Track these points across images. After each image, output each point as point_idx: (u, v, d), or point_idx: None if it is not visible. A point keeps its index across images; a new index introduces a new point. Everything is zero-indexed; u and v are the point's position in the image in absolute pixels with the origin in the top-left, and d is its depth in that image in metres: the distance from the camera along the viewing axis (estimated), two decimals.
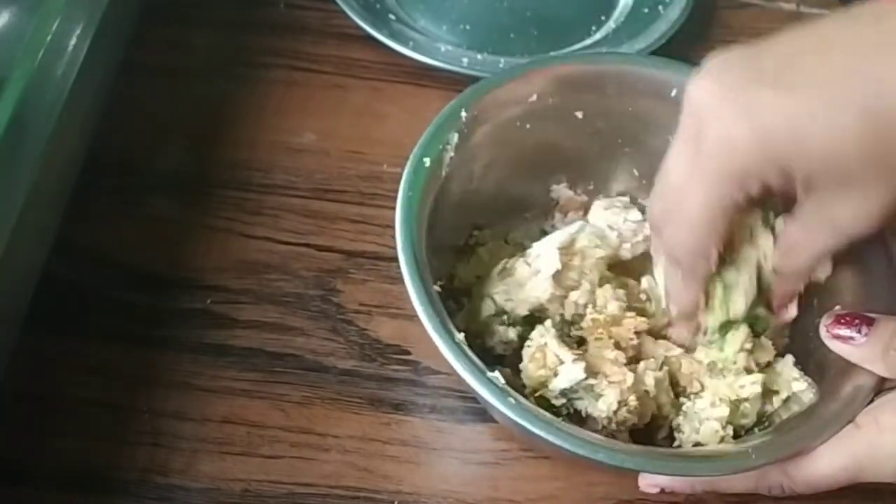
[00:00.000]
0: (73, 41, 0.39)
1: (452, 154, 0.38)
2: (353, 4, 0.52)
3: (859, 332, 0.31)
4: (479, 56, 0.51)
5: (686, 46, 0.52)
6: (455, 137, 0.38)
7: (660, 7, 0.54)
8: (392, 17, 0.53)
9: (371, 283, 0.43)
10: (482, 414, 0.39)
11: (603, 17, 0.56)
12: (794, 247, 0.34)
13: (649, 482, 0.34)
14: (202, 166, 0.46)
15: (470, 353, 0.32)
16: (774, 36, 0.31)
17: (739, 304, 0.35)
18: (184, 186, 0.45)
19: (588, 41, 0.54)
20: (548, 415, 0.32)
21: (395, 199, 0.46)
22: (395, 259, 0.43)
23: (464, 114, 0.38)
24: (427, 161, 0.37)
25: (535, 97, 0.40)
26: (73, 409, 0.38)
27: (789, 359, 0.37)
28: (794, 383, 0.35)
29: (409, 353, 0.41)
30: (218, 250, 0.43)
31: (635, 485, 0.35)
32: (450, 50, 0.51)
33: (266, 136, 0.48)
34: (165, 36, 0.51)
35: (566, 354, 0.35)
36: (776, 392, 0.36)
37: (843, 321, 0.32)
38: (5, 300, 0.36)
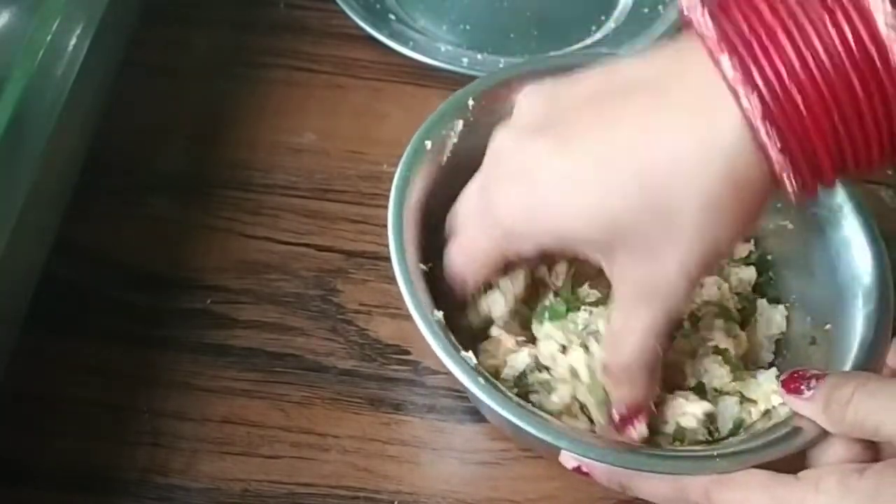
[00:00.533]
0: (72, 41, 0.39)
1: (455, 140, 0.38)
2: (353, 4, 0.52)
3: (808, 386, 0.31)
4: (479, 56, 0.51)
5: None
6: (460, 125, 0.38)
7: (660, 7, 0.54)
8: (392, 16, 0.53)
9: (371, 283, 0.43)
10: (481, 414, 0.39)
11: (603, 17, 0.56)
12: (616, 336, 0.32)
13: (568, 455, 0.32)
14: (202, 166, 0.46)
15: (445, 333, 0.33)
16: (585, 73, 0.31)
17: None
18: (184, 186, 0.45)
19: (588, 41, 0.54)
20: (516, 399, 0.32)
21: None
22: None
23: (471, 102, 0.38)
24: (429, 144, 0.37)
25: None
26: (73, 409, 0.38)
27: (772, 372, 0.37)
28: (773, 396, 0.35)
29: (408, 353, 0.41)
30: (218, 250, 0.43)
31: None
32: (450, 50, 0.51)
33: (266, 136, 0.48)
34: (165, 36, 0.51)
35: (513, 344, 0.35)
36: (754, 402, 0.36)
37: (796, 375, 0.32)
38: (5, 300, 0.36)
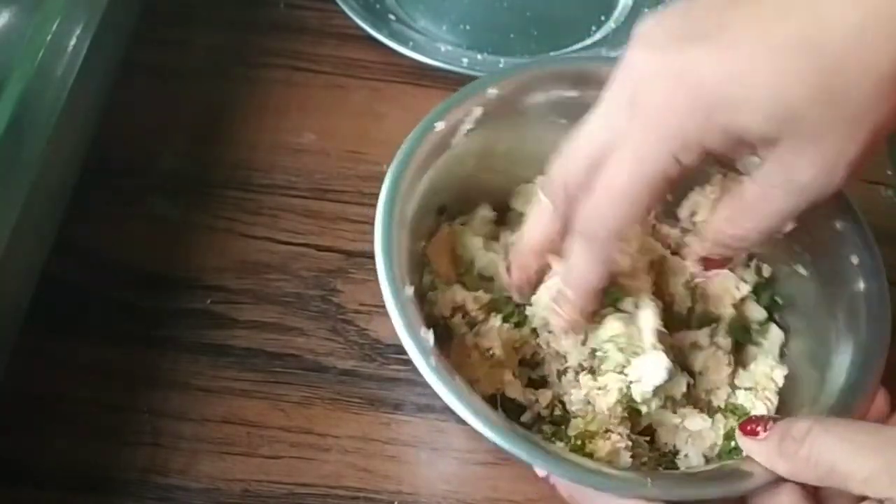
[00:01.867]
0: (72, 41, 0.39)
1: (471, 126, 0.37)
2: (352, 4, 0.52)
3: (765, 428, 0.31)
4: (479, 56, 0.51)
5: None
6: (479, 111, 0.37)
7: (660, 7, 0.54)
8: (392, 17, 0.53)
9: (371, 284, 0.43)
10: None
11: (603, 17, 0.56)
12: (749, 208, 0.32)
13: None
14: (202, 166, 0.46)
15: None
16: None
17: None
18: (183, 186, 0.45)
19: (588, 41, 0.54)
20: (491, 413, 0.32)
21: None
22: None
23: (491, 91, 0.37)
24: (439, 125, 0.36)
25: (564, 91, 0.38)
26: (73, 408, 0.38)
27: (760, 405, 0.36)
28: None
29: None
30: (218, 250, 0.43)
31: None
32: (450, 50, 0.51)
33: (266, 136, 0.48)
34: (165, 36, 0.51)
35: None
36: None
37: (754, 419, 0.32)
38: (5, 300, 0.36)
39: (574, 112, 0.34)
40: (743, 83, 0.28)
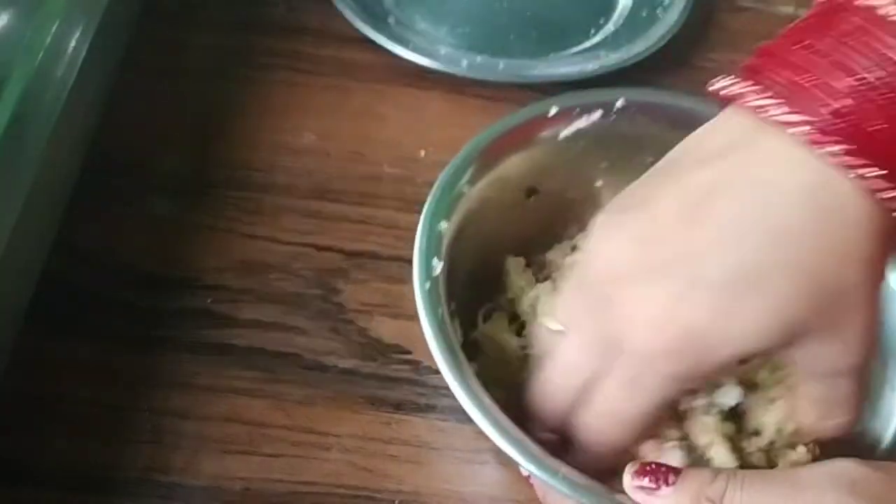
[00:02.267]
0: (72, 42, 0.39)
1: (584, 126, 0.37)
2: (352, 7, 0.52)
3: (666, 482, 0.28)
4: (478, 58, 0.51)
5: (684, 50, 0.52)
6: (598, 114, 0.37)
7: (658, 10, 0.54)
8: (391, 19, 0.53)
9: (372, 283, 0.43)
10: None
11: (602, 20, 0.56)
12: (827, 401, 0.31)
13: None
14: (202, 167, 0.46)
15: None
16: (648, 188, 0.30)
17: None
18: (184, 187, 0.45)
19: (587, 44, 0.54)
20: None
21: (394, 199, 0.46)
22: (396, 259, 0.44)
23: (554, 109, 0.37)
24: (553, 110, 0.36)
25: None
26: (74, 408, 0.38)
27: None
28: None
29: (409, 352, 0.41)
30: (218, 250, 0.43)
31: None
32: (449, 52, 0.52)
33: (266, 137, 0.48)
34: (165, 37, 0.51)
35: None
36: None
37: (647, 470, 0.29)
38: (5, 300, 0.36)
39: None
40: (735, 313, 0.27)
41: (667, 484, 0.28)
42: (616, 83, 0.43)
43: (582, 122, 0.38)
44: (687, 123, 0.31)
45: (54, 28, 0.38)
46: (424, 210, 0.35)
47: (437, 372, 0.40)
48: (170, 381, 0.39)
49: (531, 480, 0.32)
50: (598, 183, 0.40)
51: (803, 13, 0.33)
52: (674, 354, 0.28)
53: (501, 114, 0.39)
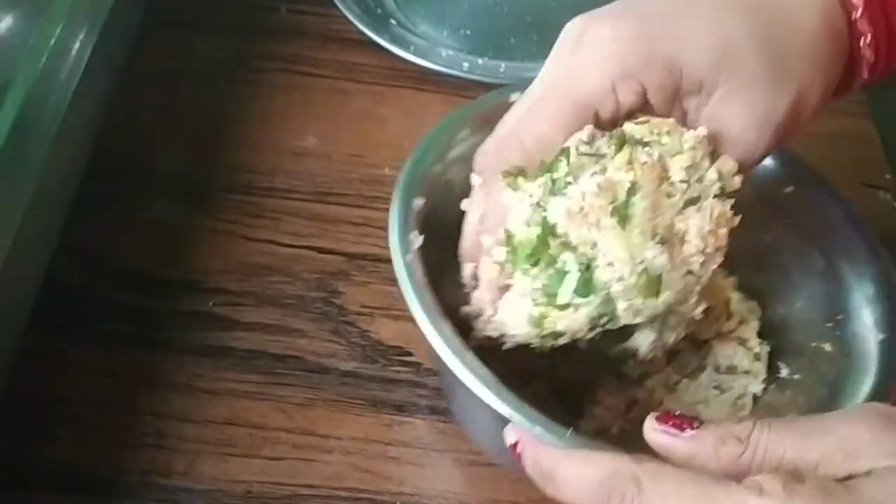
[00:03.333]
0: (76, 46, 0.39)
1: None
2: (354, 9, 0.52)
3: (691, 426, 0.27)
4: (479, 61, 0.52)
5: None
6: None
7: None
8: (393, 21, 0.54)
9: (373, 286, 0.43)
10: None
11: None
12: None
13: (509, 429, 0.30)
14: (205, 170, 0.46)
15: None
16: None
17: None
18: (186, 190, 0.46)
19: None
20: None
21: None
22: None
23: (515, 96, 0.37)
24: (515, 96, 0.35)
25: None
26: (76, 411, 0.38)
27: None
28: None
29: (410, 354, 0.41)
30: (220, 253, 0.43)
31: None
32: (450, 55, 0.52)
33: (268, 140, 0.48)
34: (168, 41, 0.51)
35: None
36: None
37: (670, 417, 0.28)
38: (9, 303, 0.36)
39: None
40: (687, 19, 0.29)
41: (691, 428, 0.27)
42: None
43: None
44: None
45: (57, 32, 0.38)
46: (398, 186, 0.34)
47: (438, 374, 0.41)
48: (171, 383, 0.39)
49: (518, 449, 0.29)
50: None
51: None
52: (626, 38, 0.29)
53: None
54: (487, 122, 0.34)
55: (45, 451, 0.37)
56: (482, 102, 0.38)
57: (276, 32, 0.52)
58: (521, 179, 0.30)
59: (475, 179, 0.33)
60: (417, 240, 0.32)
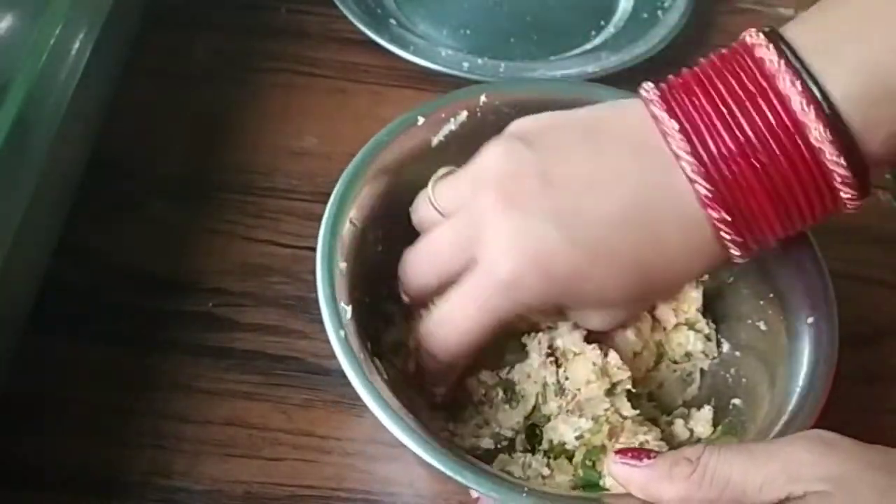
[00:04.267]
0: (75, 46, 0.39)
1: (454, 128, 0.38)
2: (354, 9, 0.52)
3: (648, 457, 0.30)
4: (479, 61, 0.51)
5: (685, 51, 0.52)
6: (464, 115, 0.38)
7: (659, 12, 0.54)
8: (393, 21, 0.54)
9: None
10: None
11: (602, 22, 0.56)
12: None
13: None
14: (204, 170, 0.46)
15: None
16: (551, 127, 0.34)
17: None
18: (186, 190, 0.46)
19: (588, 46, 0.54)
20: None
21: None
22: None
23: (483, 98, 0.38)
24: (420, 120, 0.37)
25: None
26: (76, 411, 0.38)
27: (705, 410, 0.37)
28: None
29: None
30: (220, 253, 0.43)
31: None
32: (450, 54, 0.52)
33: (267, 140, 0.48)
34: (167, 41, 0.51)
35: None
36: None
37: (630, 451, 0.31)
38: (9, 303, 0.36)
39: None
40: (586, 285, 0.33)
41: (648, 458, 0.30)
42: (617, 84, 0.43)
43: (451, 126, 0.39)
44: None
45: (57, 32, 0.38)
46: (318, 247, 0.35)
47: None
48: (171, 384, 0.39)
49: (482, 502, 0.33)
50: None
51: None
52: (532, 290, 0.32)
53: None
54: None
55: (44, 451, 0.37)
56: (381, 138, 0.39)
57: (276, 32, 0.52)
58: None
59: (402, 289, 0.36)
60: (347, 310, 0.34)
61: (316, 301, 0.42)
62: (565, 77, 0.50)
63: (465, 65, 0.51)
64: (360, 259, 0.36)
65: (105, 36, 0.41)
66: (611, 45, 0.54)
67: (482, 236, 0.33)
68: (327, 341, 0.41)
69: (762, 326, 0.38)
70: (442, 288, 0.34)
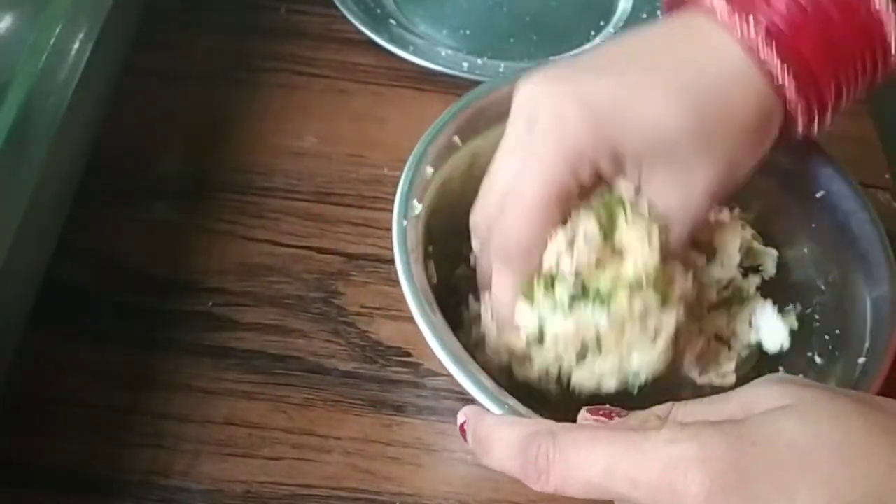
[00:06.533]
0: (75, 46, 0.39)
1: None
2: (353, 9, 0.52)
3: (618, 415, 0.30)
4: (479, 61, 0.52)
5: None
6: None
7: (658, 12, 0.54)
8: (392, 21, 0.54)
9: (372, 286, 0.43)
10: None
11: (602, 23, 0.56)
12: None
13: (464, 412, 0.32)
14: (204, 170, 0.46)
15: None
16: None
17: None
18: (185, 190, 0.46)
19: (587, 46, 0.54)
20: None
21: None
22: None
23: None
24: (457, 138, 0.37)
25: None
26: (76, 411, 0.38)
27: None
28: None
29: (410, 354, 0.41)
30: (219, 253, 0.43)
31: None
32: (450, 54, 0.52)
33: (267, 140, 0.48)
34: (167, 41, 0.51)
35: None
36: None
37: (600, 409, 0.30)
38: (9, 303, 0.36)
39: None
40: (630, 111, 0.31)
41: (619, 416, 0.30)
42: None
43: None
44: None
45: (57, 32, 0.38)
46: (412, 156, 0.36)
47: (438, 374, 0.41)
48: (171, 383, 0.39)
49: (464, 426, 0.31)
50: None
51: None
52: (575, 125, 0.31)
53: None
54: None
55: (44, 451, 0.37)
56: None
57: (276, 32, 0.52)
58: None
59: (475, 243, 0.35)
60: (417, 207, 0.35)
61: (315, 301, 0.42)
62: None
63: (465, 65, 0.51)
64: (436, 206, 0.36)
65: (104, 36, 0.41)
66: None
67: (538, 115, 0.32)
68: (327, 341, 0.41)
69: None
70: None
